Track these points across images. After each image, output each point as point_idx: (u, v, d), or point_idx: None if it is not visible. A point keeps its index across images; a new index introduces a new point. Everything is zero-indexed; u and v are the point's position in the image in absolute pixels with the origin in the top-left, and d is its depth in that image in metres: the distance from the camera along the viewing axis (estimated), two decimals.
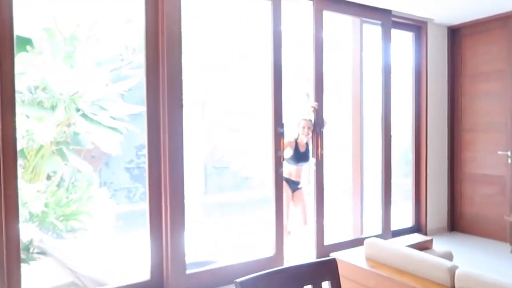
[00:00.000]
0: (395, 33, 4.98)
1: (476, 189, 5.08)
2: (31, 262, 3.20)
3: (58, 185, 5.77)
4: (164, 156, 3.23)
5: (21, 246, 2.80)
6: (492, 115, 4.89)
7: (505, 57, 4.68)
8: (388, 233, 4.61)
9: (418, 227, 5.07)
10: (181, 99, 3.33)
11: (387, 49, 4.72)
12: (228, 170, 9.37)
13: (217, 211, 8.54)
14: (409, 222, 5.17)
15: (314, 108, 4.07)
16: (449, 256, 2.75)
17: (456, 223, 5.27)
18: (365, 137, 4.74)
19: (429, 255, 2.22)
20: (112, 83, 6.09)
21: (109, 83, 6.01)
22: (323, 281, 1.29)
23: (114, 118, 5.91)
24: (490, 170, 4.92)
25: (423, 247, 2.78)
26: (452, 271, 2.01)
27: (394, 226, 4.80)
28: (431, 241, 2.91)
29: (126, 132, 6.42)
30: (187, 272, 3.33)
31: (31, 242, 3.13)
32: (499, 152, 4.77)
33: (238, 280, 1.13)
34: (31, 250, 3.14)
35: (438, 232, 5.09)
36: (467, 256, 4.22)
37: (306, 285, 1.27)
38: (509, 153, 4.66)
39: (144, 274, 3.29)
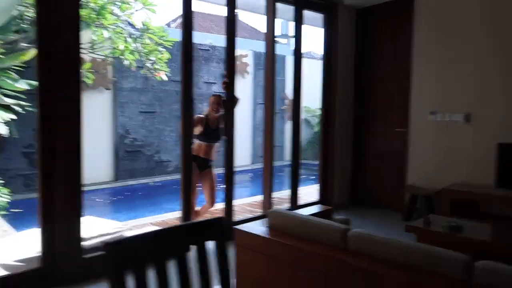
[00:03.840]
0: (308, 14, 5.09)
1: (377, 165, 5.47)
2: None
3: None
4: (58, 137, 2.93)
5: None
6: (394, 96, 5.26)
7: (408, 41, 5.01)
8: (295, 207, 4.76)
9: (323, 202, 5.30)
10: (78, 77, 3.04)
11: (298, 30, 4.79)
12: (141, 154, 8.98)
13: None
14: (315, 198, 5.39)
15: (226, 83, 3.99)
16: (347, 223, 2.88)
17: (358, 196, 5.62)
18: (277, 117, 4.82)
19: (326, 220, 2.29)
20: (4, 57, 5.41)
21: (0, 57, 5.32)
22: (207, 240, 1.23)
23: (7, 96, 5.28)
24: (390, 146, 5.32)
25: (323, 215, 2.87)
26: (344, 233, 2.09)
27: (301, 202, 4.98)
28: (331, 210, 3.03)
29: (23, 113, 5.77)
30: (86, 256, 3.09)
31: None
32: (397, 129, 5.16)
33: (106, 241, 1.01)
34: None
35: (341, 206, 5.39)
36: (365, 224, 4.52)
37: (189, 245, 1.19)
38: (406, 130, 5.04)
39: (34, 262, 2.99)
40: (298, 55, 4.86)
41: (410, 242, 1.91)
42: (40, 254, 2.94)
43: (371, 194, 5.51)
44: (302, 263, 2.14)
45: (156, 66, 7.75)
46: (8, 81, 5.27)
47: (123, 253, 1.06)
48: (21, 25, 6.09)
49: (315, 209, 3.09)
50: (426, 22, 4.78)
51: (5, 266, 3.03)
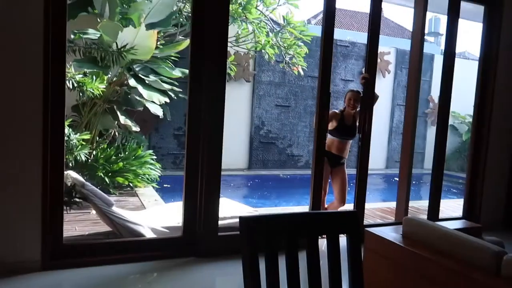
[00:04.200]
0: (465, 6, 4.54)
1: None
2: (73, 206, 3.36)
3: (109, 143, 6.03)
4: (203, 124, 3.21)
5: (64, 189, 2.93)
6: None
7: None
8: (435, 220, 4.32)
9: (469, 218, 4.68)
10: (224, 68, 3.28)
11: (453, 24, 4.30)
12: (274, 146, 9.30)
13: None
14: (458, 213, 4.81)
15: (366, 79, 3.83)
16: (501, 245, 2.49)
17: None
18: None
19: (476, 238, 2.00)
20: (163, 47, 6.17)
21: (160, 47, 6.08)
22: (341, 233, 1.18)
23: (164, 82, 6.01)
24: None
25: (470, 233, 2.53)
26: (499, 256, 1.79)
27: (442, 216, 4.49)
28: (480, 228, 2.64)
29: (175, 99, 6.52)
30: (219, 234, 3.34)
31: (73, 186, 3.27)
32: None
33: (243, 215, 1.05)
34: (73, 195, 3.30)
35: (492, 226, 4.69)
36: None
37: (321, 234, 1.16)
38: None
39: (177, 230, 3.35)
40: (450, 53, 4.36)
41: None
42: (182, 225, 3.27)
43: None
44: (440, 280, 1.92)
45: (294, 60, 7.92)
46: (166, 68, 5.99)
47: (258, 228, 1.08)
48: (180, 19, 6.87)
49: (459, 224, 2.75)
50: None
51: (154, 230, 3.48)
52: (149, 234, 3.41)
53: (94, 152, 5.56)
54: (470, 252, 1.92)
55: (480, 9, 4.67)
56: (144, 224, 3.48)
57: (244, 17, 7.15)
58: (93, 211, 3.96)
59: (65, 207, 3.20)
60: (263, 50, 7.68)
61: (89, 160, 5.38)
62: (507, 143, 4.80)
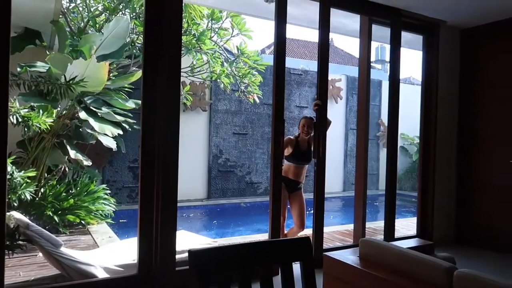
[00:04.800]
0: (406, 36, 4.86)
1: (487, 201, 4.86)
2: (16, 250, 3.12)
3: (59, 179, 5.73)
4: (158, 155, 3.14)
5: (6, 231, 2.72)
6: (507, 125, 4.69)
7: None
8: (390, 239, 4.42)
9: (422, 237, 4.84)
10: (178, 99, 3.27)
11: (395, 53, 4.58)
12: (233, 174, 9.25)
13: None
14: (412, 232, 4.96)
15: (318, 105, 3.94)
16: (452, 261, 2.57)
17: (463, 235, 5.03)
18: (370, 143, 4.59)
19: (426, 255, 2.06)
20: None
21: (113, 78, 5.98)
22: (294, 260, 1.16)
23: (118, 114, 5.87)
24: (504, 181, 4.70)
25: (423, 250, 2.61)
26: (450, 272, 1.85)
27: (398, 235, 4.61)
28: (432, 245, 2.73)
29: (130, 131, 6.38)
30: (177, 268, 3.21)
31: (17, 228, 3.05)
32: (511, 161, 4.57)
33: (191, 249, 1.01)
34: (16, 237, 3.07)
35: (443, 243, 4.87)
36: (472, 266, 3.99)
37: (274, 263, 1.14)
38: None
39: (132, 268, 3.19)
40: (394, 79, 4.61)
41: None
42: (137, 262, 3.12)
43: (480, 233, 4.88)
44: None
45: (249, 89, 8.05)
46: (119, 100, 5.87)
47: (206, 261, 1.04)
48: (133, 51, 6.83)
49: (413, 242, 2.82)
50: None
51: (107, 270, 3.28)
52: (102, 274, 3.21)
53: (42, 190, 5.26)
54: (423, 270, 1.97)
55: (419, 38, 5.02)
56: (96, 264, 3.28)
57: (199, 48, 7.23)
58: (40, 254, 3.69)
59: (7, 251, 2.96)
60: (218, 80, 7.76)
61: (36, 199, 5.06)
62: (452, 161, 5.08)
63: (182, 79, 7.83)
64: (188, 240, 4.05)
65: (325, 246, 4.08)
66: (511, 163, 4.57)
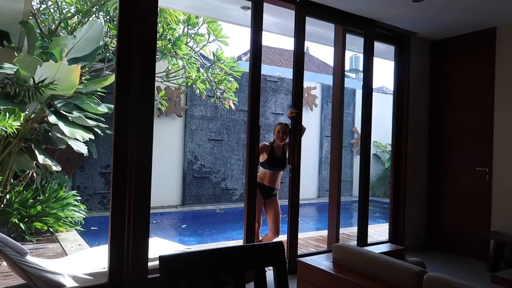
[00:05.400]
0: (378, 46, 4.98)
1: (455, 206, 5.01)
2: None
3: (26, 185, 5.53)
4: (131, 161, 3.08)
5: None
6: (473, 133, 4.86)
7: (488, 74, 4.68)
8: (363, 245, 4.48)
9: (394, 242, 4.94)
10: (152, 103, 3.22)
11: (368, 62, 4.68)
12: (208, 181, 9.18)
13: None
14: (385, 237, 5.05)
15: (294, 114, 3.97)
16: (422, 265, 2.63)
17: (433, 239, 5.16)
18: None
19: (398, 261, 2.09)
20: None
21: (85, 82, 5.84)
22: (267, 266, 1.15)
23: (90, 118, 5.72)
24: (470, 187, 4.87)
25: (394, 255, 2.65)
26: (420, 276, 1.88)
27: (370, 240, 4.68)
28: (403, 250, 2.79)
29: (103, 136, 6.24)
30: (149, 276, 3.14)
31: None
32: (477, 168, 4.73)
33: (162, 255, 0.98)
34: None
35: (414, 247, 4.98)
36: (441, 269, 4.10)
37: (247, 269, 1.13)
38: (487, 170, 4.62)
39: (102, 277, 3.10)
40: (368, 87, 4.71)
41: None
42: (107, 270, 3.03)
43: (448, 238, 5.03)
44: None
45: (225, 95, 8.03)
46: (91, 104, 5.73)
47: (178, 267, 1.02)
48: (106, 54, 6.70)
49: (385, 247, 2.87)
50: (510, 55, 4.43)
51: (76, 278, 3.18)
52: (70, 283, 3.10)
53: (7, 196, 5.05)
54: (394, 274, 2.00)
55: (391, 49, 5.15)
56: (64, 273, 3.16)
57: (174, 53, 7.16)
58: (4, 263, 3.53)
59: None
60: (194, 85, 7.70)
61: (1, 205, 4.86)
62: (423, 168, 5.22)
63: (157, 84, 7.74)
64: (161, 247, 3.97)
65: (299, 252, 4.10)
66: (478, 170, 4.74)
